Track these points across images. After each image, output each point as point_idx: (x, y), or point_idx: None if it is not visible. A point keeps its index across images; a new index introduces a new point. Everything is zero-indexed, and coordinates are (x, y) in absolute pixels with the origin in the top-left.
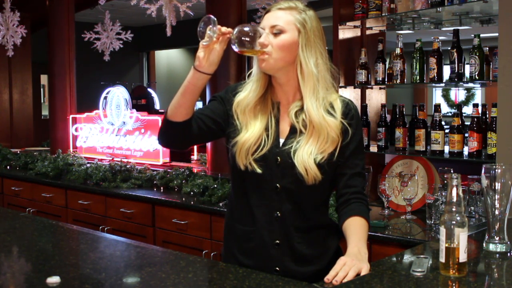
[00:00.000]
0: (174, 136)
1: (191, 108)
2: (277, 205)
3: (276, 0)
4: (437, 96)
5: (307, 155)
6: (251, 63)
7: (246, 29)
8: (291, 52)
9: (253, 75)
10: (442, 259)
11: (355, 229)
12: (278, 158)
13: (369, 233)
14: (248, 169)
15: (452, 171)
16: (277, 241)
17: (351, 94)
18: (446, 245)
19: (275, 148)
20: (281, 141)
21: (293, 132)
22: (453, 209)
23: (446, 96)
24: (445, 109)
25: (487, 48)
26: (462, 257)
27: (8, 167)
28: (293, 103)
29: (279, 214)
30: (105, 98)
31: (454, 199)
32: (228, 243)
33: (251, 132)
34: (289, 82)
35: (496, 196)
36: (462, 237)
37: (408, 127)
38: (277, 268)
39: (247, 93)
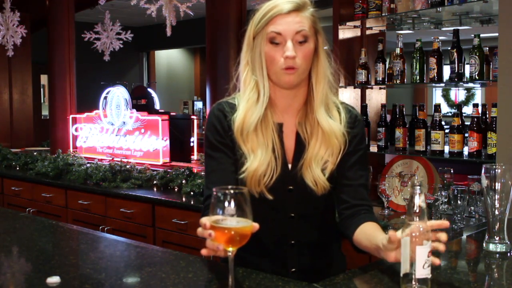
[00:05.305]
0: None
1: None
2: (292, 234)
3: None
4: (437, 96)
5: (314, 165)
6: None
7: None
8: (311, 58)
9: (250, 89)
10: (401, 272)
11: (377, 228)
12: (291, 186)
13: None
14: (260, 196)
15: (451, 171)
16: (293, 269)
17: (351, 94)
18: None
19: (285, 174)
20: (289, 166)
21: (300, 147)
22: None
23: (446, 96)
24: (445, 109)
25: (487, 48)
26: (420, 273)
27: (8, 167)
28: (300, 114)
29: (293, 242)
30: (105, 98)
31: (417, 210)
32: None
33: (259, 159)
34: (298, 91)
35: (496, 196)
36: (420, 251)
37: (408, 127)
38: None
39: (245, 112)
